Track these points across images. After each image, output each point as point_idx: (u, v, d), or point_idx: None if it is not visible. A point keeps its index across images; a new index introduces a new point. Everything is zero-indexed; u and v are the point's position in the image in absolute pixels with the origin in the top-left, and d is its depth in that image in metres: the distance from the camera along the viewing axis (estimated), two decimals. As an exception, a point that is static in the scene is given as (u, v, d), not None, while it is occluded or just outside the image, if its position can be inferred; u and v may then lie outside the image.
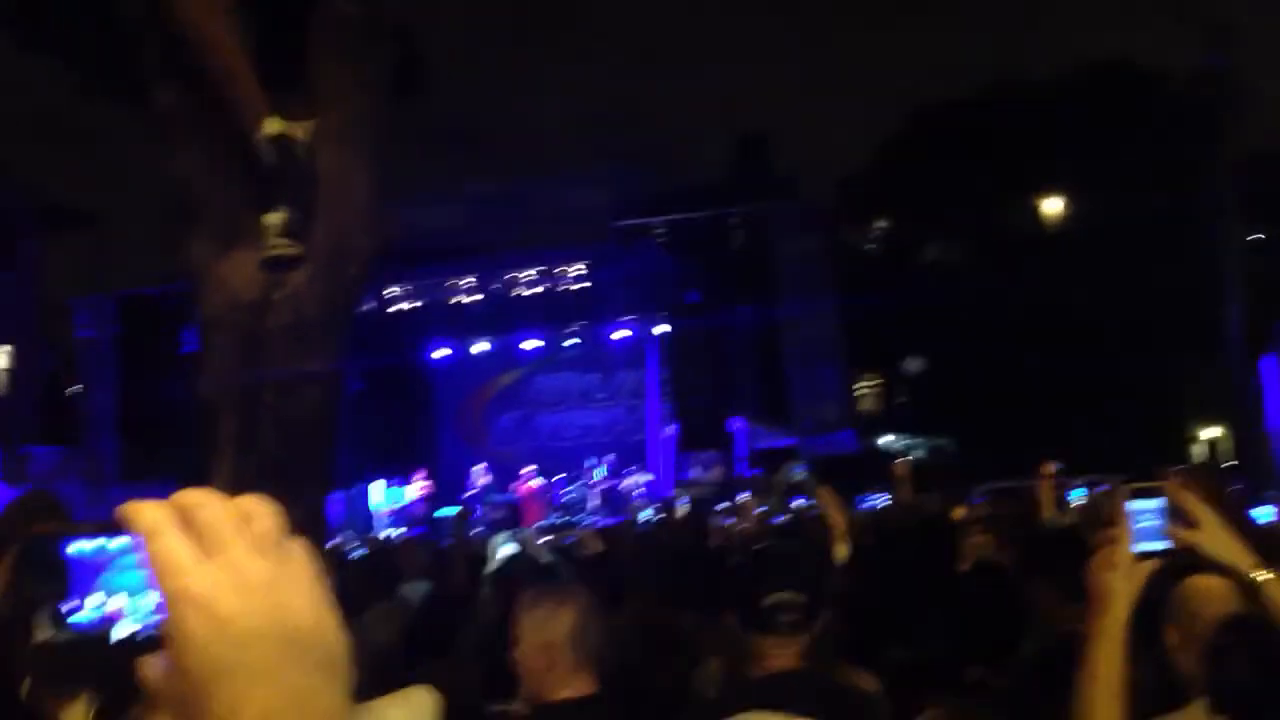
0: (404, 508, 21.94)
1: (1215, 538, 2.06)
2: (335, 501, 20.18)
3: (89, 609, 0.74)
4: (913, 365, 21.98)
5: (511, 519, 18.21)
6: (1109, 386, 23.78)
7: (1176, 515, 2.01)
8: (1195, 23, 22.36)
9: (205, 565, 0.68)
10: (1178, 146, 24.57)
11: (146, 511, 0.70)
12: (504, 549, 7.65)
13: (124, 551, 0.74)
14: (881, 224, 30.30)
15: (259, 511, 0.71)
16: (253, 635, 0.67)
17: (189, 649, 0.67)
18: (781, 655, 2.64)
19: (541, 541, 9.19)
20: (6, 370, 25.60)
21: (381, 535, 18.90)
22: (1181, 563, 2.29)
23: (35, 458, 21.91)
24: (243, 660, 0.66)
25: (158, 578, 0.68)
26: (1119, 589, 1.95)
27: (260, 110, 3.82)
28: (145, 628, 0.73)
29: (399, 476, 22.57)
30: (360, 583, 6.56)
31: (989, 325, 25.53)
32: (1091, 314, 24.42)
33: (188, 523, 0.70)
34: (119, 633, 0.74)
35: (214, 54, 3.83)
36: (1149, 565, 1.98)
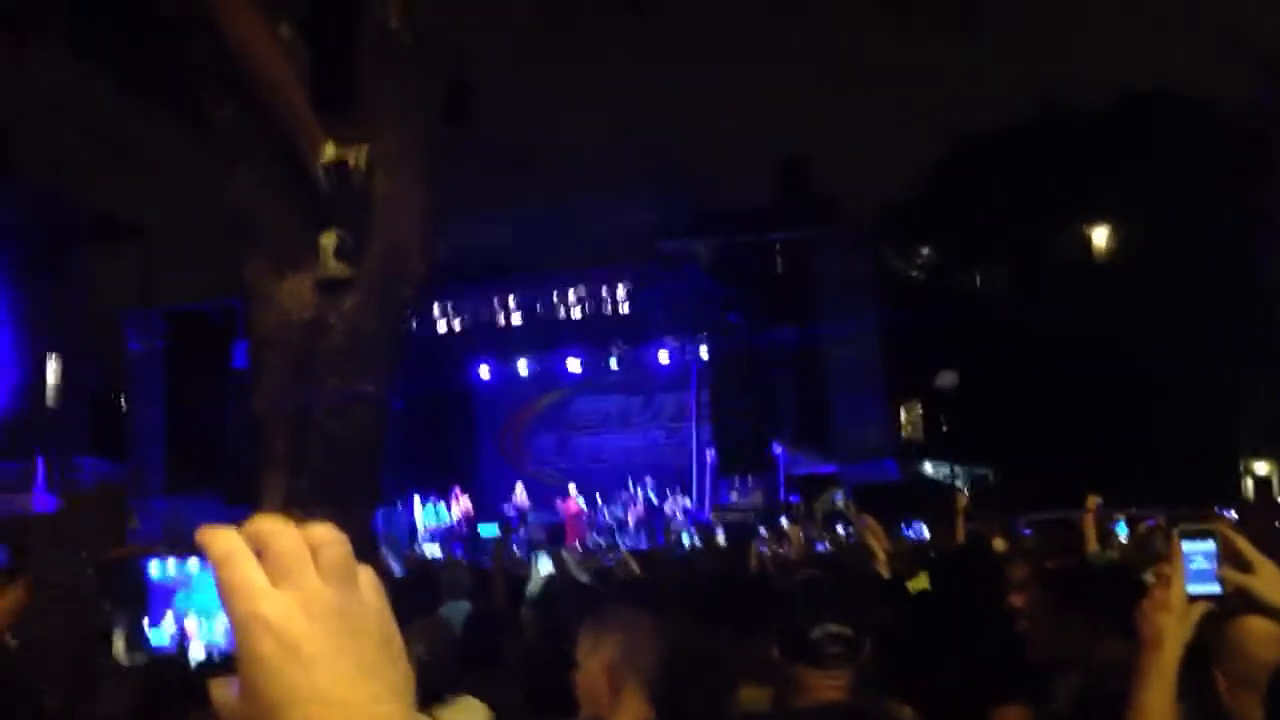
0: (444, 526, 22.02)
1: (1270, 582, 2.03)
2: (378, 518, 20.27)
3: (165, 630, 0.75)
4: (945, 380, 21.73)
5: (552, 540, 18.22)
6: (1157, 417, 23.46)
7: (1230, 557, 1.98)
8: (1245, 53, 22.17)
9: (276, 591, 0.70)
10: (1227, 176, 24.31)
11: (221, 537, 0.71)
12: (544, 570, 7.67)
13: (200, 575, 0.76)
14: (925, 250, 30.14)
15: (329, 540, 0.72)
16: (322, 660, 0.68)
17: (260, 673, 0.68)
18: (828, 687, 2.62)
19: (581, 563, 9.20)
20: (55, 383, 26.02)
21: (421, 553, 19.00)
22: (1233, 606, 2.26)
23: (83, 469, 22.23)
24: (313, 685, 0.68)
25: (230, 602, 0.69)
26: (1171, 631, 1.93)
27: (317, 137, 3.88)
28: (218, 649, 0.75)
29: (439, 494, 22.67)
30: (400, 601, 6.57)
31: (1033, 353, 25.28)
32: (1140, 344, 24.12)
33: (260, 549, 0.71)
34: (193, 653, 0.75)
35: (270, 83, 3.90)
36: (1201, 608, 1.96)
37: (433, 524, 22.26)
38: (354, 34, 4.22)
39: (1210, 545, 1.97)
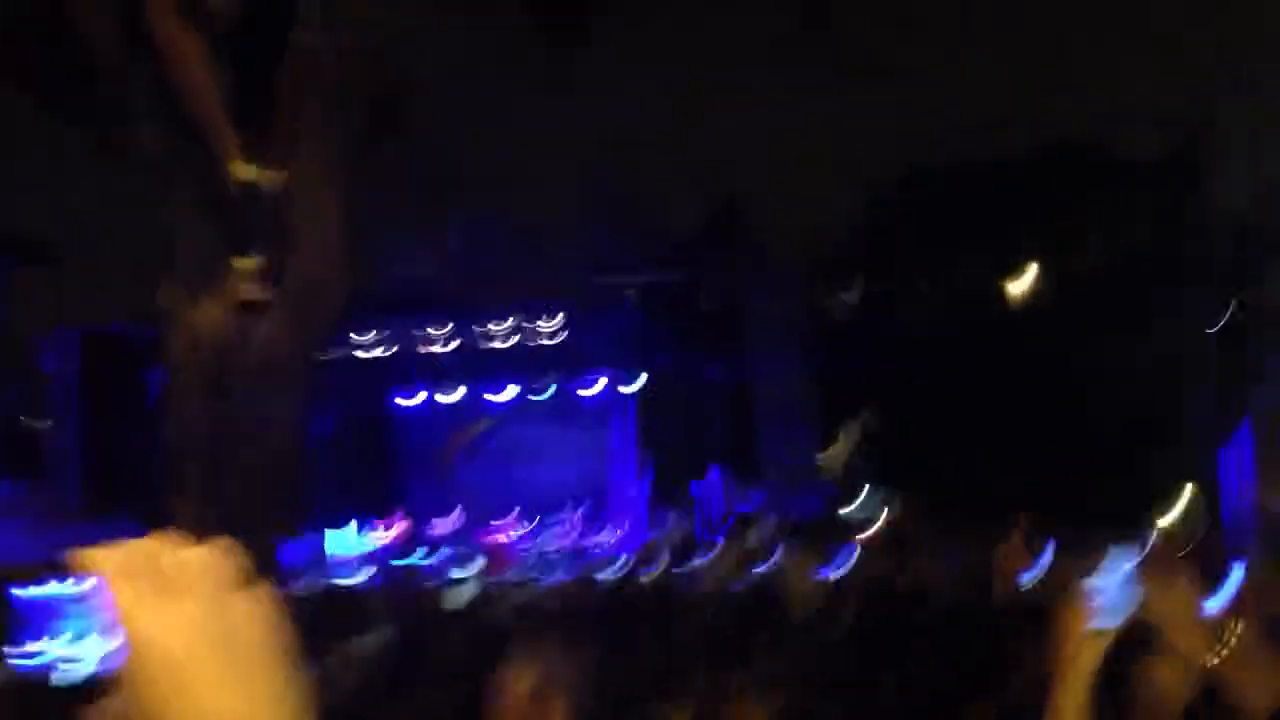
0: (370, 554, 21.73)
1: (1178, 612, 2.08)
2: (300, 546, 19.97)
3: (39, 652, 0.74)
4: (869, 423, 21.99)
5: (479, 568, 18.06)
6: (1082, 447, 23.96)
7: (1141, 587, 2.02)
8: (1166, 106, 22.89)
9: (161, 611, 0.68)
10: (1147, 222, 25.00)
11: (105, 557, 0.70)
12: (466, 597, 7.61)
13: (77, 597, 0.75)
14: (854, 286, 30.53)
15: (216, 559, 0.72)
16: (207, 680, 0.67)
17: (142, 694, 0.67)
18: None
19: (507, 592, 9.13)
20: (-35, 403, 25.25)
21: (346, 581, 18.71)
22: (1143, 635, 2.30)
23: (-3, 494, 21.58)
24: (197, 705, 0.66)
25: (112, 622, 0.68)
26: (1082, 656, 1.96)
27: (232, 154, 3.83)
28: (96, 672, 0.74)
29: (366, 522, 22.38)
30: (322, 628, 6.49)
31: (961, 387, 25.70)
32: (1065, 377, 24.65)
33: (146, 569, 0.70)
34: (69, 676, 0.74)
35: (190, 97, 3.85)
36: (1110, 636, 1.99)
37: (359, 551, 21.96)
38: (277, 53, 4.19)
39: (1125, 571, 2.01)
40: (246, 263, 3.88)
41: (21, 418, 25.91)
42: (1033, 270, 29.03)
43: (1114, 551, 2.06)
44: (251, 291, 3.83)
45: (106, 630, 0.69)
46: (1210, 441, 19.87)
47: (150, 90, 4.13)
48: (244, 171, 3.81)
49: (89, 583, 0.71)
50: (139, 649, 0.67)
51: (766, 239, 27.45)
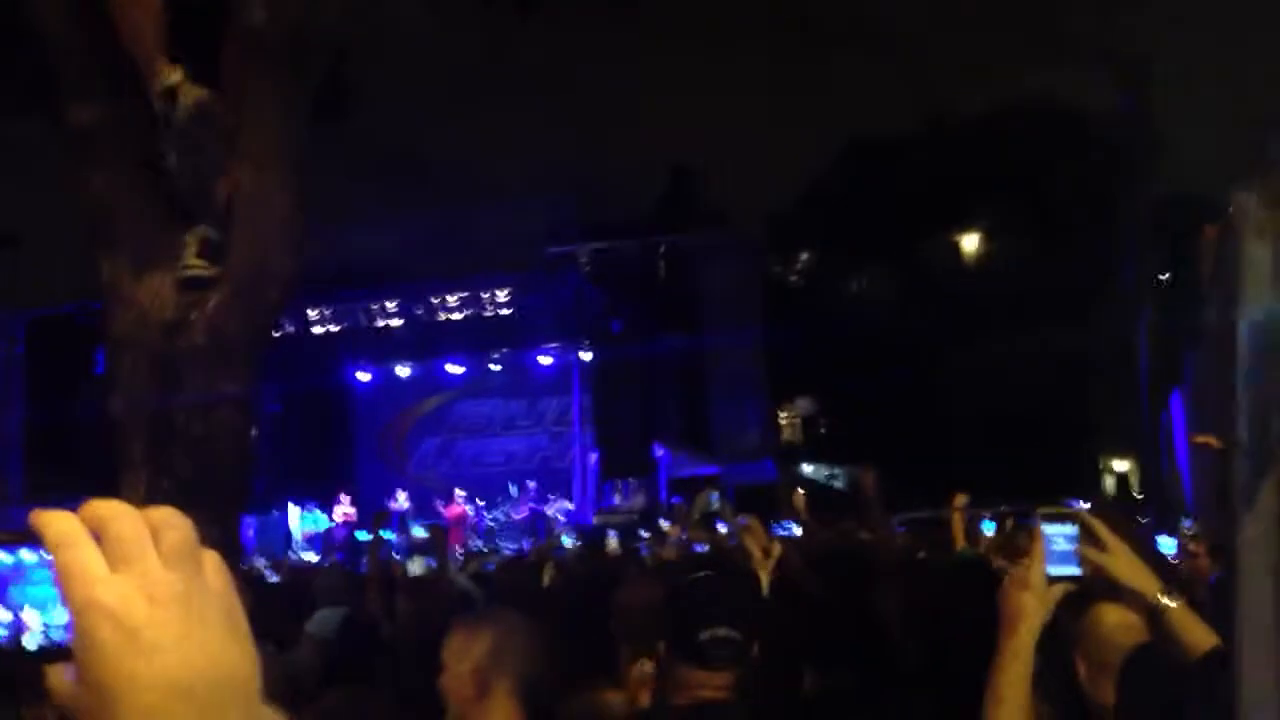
0: (323, 532, 21.62)
1: (1124, 563, 2.13)
2: (251, 525, 19.82)
3: None
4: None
5: (431, 544, 18.02)
6: (1023, 419, 24.31)
7: (1088, 540, 2.08)
8: (1110, 63, 23.14)
9: (116, 576, 0.68)
10: (1094, 186, 25.34)
11: (57, 521, 0.69)
12: (417, 572, 7.59)
13: (35, 565, 0.74)
14: (806, 257, 30.70)
15: (171, 523, 0.70)
16: (162, 647, 0.66)
17: (98, 660, 0.66)
18: (711, 687, 2.63)
19: (460, 567, 9.13)
20: (-92, 387, 24.76)
21: (298, 560, 18.60)
22: (1090, 589, 2.35)
23: (-63, 478, 21.23)
24: (151, 673, 0.66)
25: (67, 588, 0.68)
26: (1030, 610, 1.99)
27: (160, 66, 3.76)
28: (53, 641, 0.73)
29: (318, 501, 22.25)
30: (274, 608, 6.46)
31: (908, 357, 25.98)
32: (1008, 347, 24.98)
33: (99, 534, 0.69)
34: (27, 644, 0.74)
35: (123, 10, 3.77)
36: (1061, 588, 2.03)
37: (310, 530, 21.84)
38: (220, 23, 4.12)
39: (1071, 529, 2.06)
40: (193, 238, 3.83)
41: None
42: (980, 240, 29.38)
43: (1053, 514, 2.10)
44: (200, 266, 3.78)
45: (60, 596, 0.69)
46: (1145, 411, 20.26)
47: (89, 61, 4.05)
48: (171, 75, 3.73)
49: (44, 548, 0.70)
50: (93, 614, 0.67)
51: (720, 208, 27.52)
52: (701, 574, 2.94)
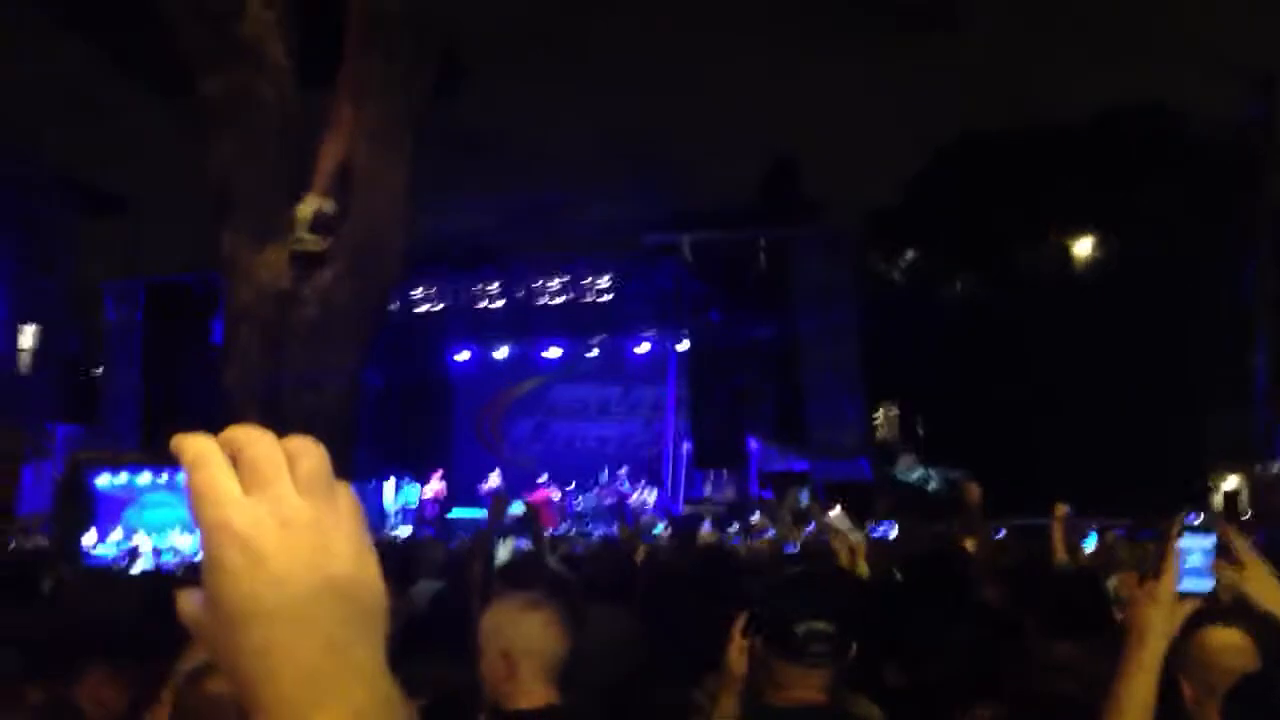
0: (416, 507, 22.01)
1: (1260, 582, 2.06)
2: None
3: (111, 543, 0.73)
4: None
5: (522, 525, 18.19)
6: (1129, 429, 23.63)
7: (1224, 555, 2.01)
8: (1235, 70, 22.33)
9: (248, 500, 0.66)
10: (1211, 192, 24.49)
11: (194, 443, 0.68)
12: (504, 552, 7.65)
13: (148, 487, 0.74)
14: (908, 254, 30.24)
15: (307, 451, 0.69)
16: (290, 575, 0.65)
17: (225, 584, 0.65)
18: (806, 686, 2.60)
19: (550, 548, 9.20)
20: (31, 349, 25.82)
21: (392, 533, 18.97)
22: (1221, 607, 2.27)
23: (56, 435, 22.11)
24: (278, 599, 0.65)
25: (198, 508, 0.66)
26: (1157, 625, 1.94)
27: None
28: (165, 565, 0.73)
29: (413, 476, 22.64)
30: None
31: (1011, 360, 25.42)
32: (1116, 355, 24.29)
33: (235, 458, 0.68)
34: (138, 567, 0.73)
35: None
36: (1191, 604, 1.97)
37: (405, 504, 22.24)
38: (344, 8, 4.21)
39: (1208, 543, 1.99)
40: (307, 210, 3.91)
41: (87, 364, 26.50)
42: (1093, 245, 28.59)
43: (1186, 527, 2.03)
44: (311, 241, 3.86)
45: (193, 516, 0.68)
46: (1260, 426, 19.55)
47: (214, 38, 4.17)
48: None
49: (179, 472, 0.68)
50: (223, 537, 0.66)
51: (821, 201, 27.27)
52: (799, 569, 2.91)
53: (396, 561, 7.44)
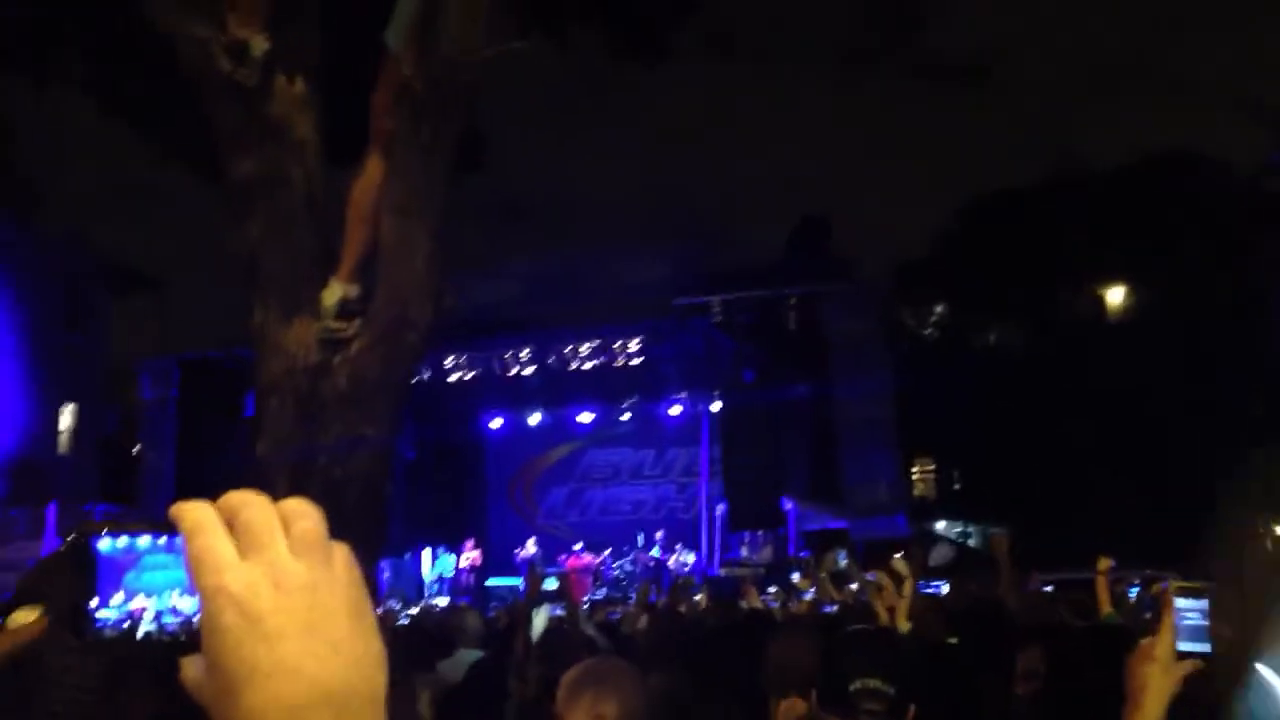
0: (452, 577, 21.95)
1: (1253, 641, 2.01)
2: (386, 568, 20.25)
3: (113, 606, 0.74)
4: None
5: (558, 592, 18.06)
6: (1170, 478, 23.28)
7: (1222, 615, 1.96)
8: (1264, 116, 22.30)
9: (244, 563, 0.68)
10: (1242, 236, 24.35)
11: (191, 510, 0.70)
12: (541, 620, 7.57)
13: (148, 550, 0.75)
14: (939, 308, 30.17)
15: (301, 513, 0.70)
16: (288, 634, 0.67)
17: (223, 645, 0.67)
18: None
19: (586, 616, 9.11)
20: (69, 429, 26.14)
21: (428, 603, 18.91)
22: (1224, 666, 2.22)
23: (93, 515, 22.26)
24: (276, 659, 0.66)
25: (197, 574, 0.68)
26: (1156, 684, 1.89)
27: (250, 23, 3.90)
28: (165, 626, 0.74)
29: (448, 546, 22.61)
30: (408, 649, 6.53)
31: (1047, 412, 25.19)
32: (1154, 404, 24.01)
33: (231, 522, 0.69)
34: (140, 631, 0.74)
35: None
36: (1189, 664, 1.93)
37: (442, 575, 22.19)
38: (370, 80, 4.28)
39: (1203, 603, 1.95)
40: (330, 298, 3.97)
41: (123, 442, 26.78)
42: (1125, 295, 28.42)
43: (1186, 587, 2.00)
44: (337, 326, 3.92)
45: (191, 582, 0.68)
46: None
47: (242, 116, 4.25)
48: (232, 31, 3.86)
49: (178, 536, 0.69)
50: (220, 600, 0.67)
51: (849, 257, 27.31)
52: (856, 627, 2.87)
53: (434, 631, 7.39)
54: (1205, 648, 1.92)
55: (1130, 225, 26.58)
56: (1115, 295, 28.48)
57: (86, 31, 6.00)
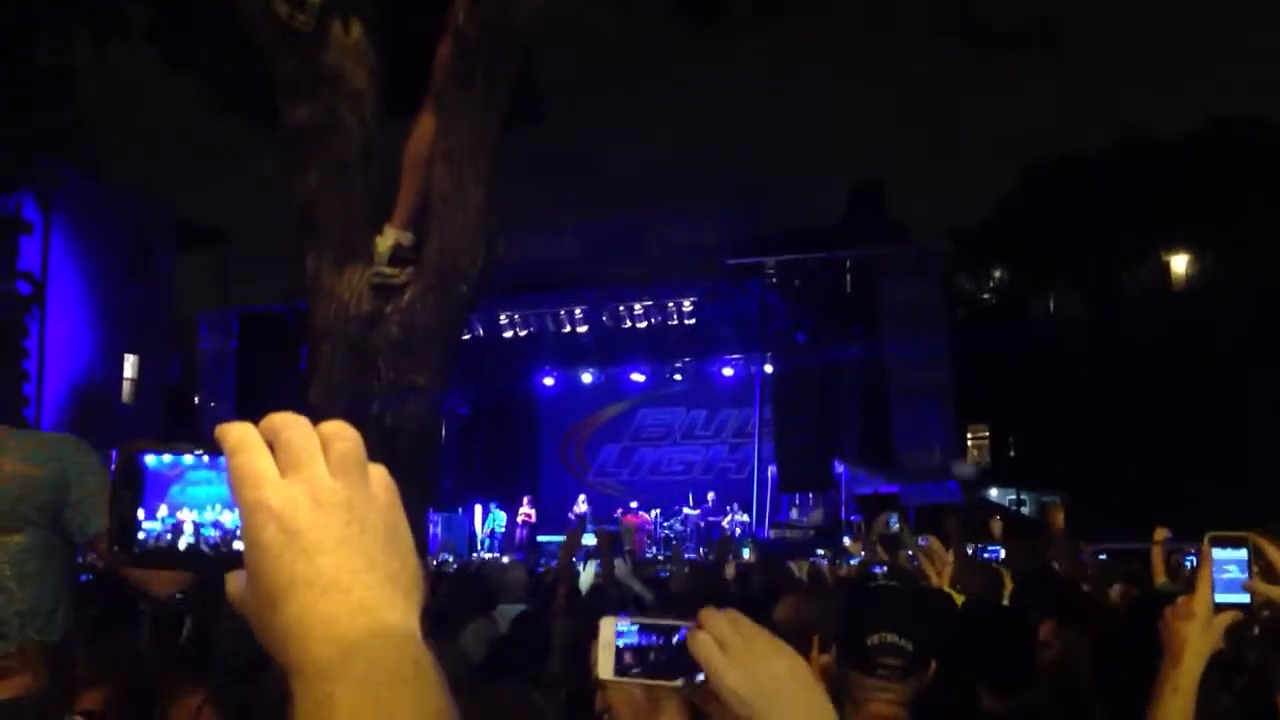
0: (504, 532, 22.17)
1: None
2: (437, 522, 20.50)
3: (159, 520, 0.78)
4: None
5: (606, 544, 18.16)
6: (1230, 446, 22.88)
7: (1263, 568, 1.91)
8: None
9: (284, 480, 0.71)
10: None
11: (235, 429, 0.74)
12: (588, 576, 7.64)
13: (192, 466, 0.78)
14: (997, 273, 29.75)
15: (340, 435, 0.74)
16: (324, 547, 0.69)
17: (262, 559, 0.70)
18: (881, 701, 2.53)
19: (634, 572, 9.18)
20: (131, 379, 26.67)
21: (479, 557, 19.12)
22: (1267, 619, 2.18)
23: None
24: (312, 570, 0.69)
25: (238, 490, 0.72)
26: (1194, 641, 1.85)
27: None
28: (207, 540, 0.77)
29: (500, 502, 22.81)
30: (456, 600, 6.62)
31: (1105, 379, 24.82)
32: (1215, 372, 23.56)
33: (272, 442, 0.73)
34: (182, 543, 0.77)
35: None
36: (1228, 617, 1.88)
37: (493, 529, 22.42)
38: (428, 30, 4.28)
39: (1242, 554, 1.90)
40: (386, 242, 3.99)
41: (184, 393, 27.29)
42: (1188, 262, 27.82)
43: (1223, 538, 1.94)
44: (390, 273, 3.95)
45: (234, 498, 0.73)
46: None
47: (298, 65, 4.27)
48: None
49: (221, 456, 0.74)
50: (260, 514, 0.70)
51: (906, 221, 26.97)
52: (879, 582, 2.84)
53: (478, 585, 7.48)
54: (1244, 598, 1.87)
55: (1193, 191, 25.98)
56: (1179, 262, 27.91)
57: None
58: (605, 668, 1.12)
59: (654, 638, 1.11)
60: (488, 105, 4.01)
